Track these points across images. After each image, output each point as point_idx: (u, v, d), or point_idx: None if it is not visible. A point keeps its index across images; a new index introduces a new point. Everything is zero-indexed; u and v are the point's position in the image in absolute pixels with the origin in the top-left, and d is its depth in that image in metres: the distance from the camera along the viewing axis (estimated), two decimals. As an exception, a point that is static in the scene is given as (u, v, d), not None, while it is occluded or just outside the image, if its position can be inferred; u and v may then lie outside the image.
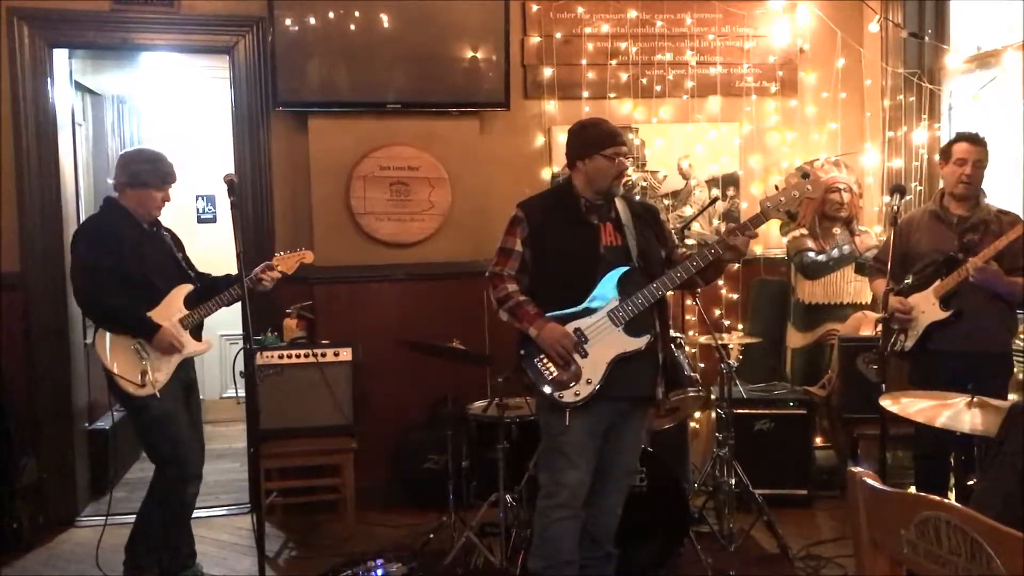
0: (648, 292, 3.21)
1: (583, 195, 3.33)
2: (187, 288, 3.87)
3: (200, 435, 4.03)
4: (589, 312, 3.22)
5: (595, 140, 3.31)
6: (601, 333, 3.21)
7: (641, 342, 3.22)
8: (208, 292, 3.90)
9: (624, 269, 3.24)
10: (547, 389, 3.22)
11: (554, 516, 3.28)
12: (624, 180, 3.43)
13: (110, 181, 3.99)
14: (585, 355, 3.20)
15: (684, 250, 3.54)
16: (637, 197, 5.14)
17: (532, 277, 3.32)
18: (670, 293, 3.45)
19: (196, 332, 3.88)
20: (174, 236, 4.04)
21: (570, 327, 3.21)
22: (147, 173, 3.79)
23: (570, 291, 3.25)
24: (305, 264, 4.13)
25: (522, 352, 3.28)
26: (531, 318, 3.22)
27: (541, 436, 3.40)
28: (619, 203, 3.38)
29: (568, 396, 3.19)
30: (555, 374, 3.21)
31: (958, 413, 2.77)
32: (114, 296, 3.72)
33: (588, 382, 3.19)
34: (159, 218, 3.95)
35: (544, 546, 3.31)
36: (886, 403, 2.95)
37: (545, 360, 3.23)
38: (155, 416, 3.74)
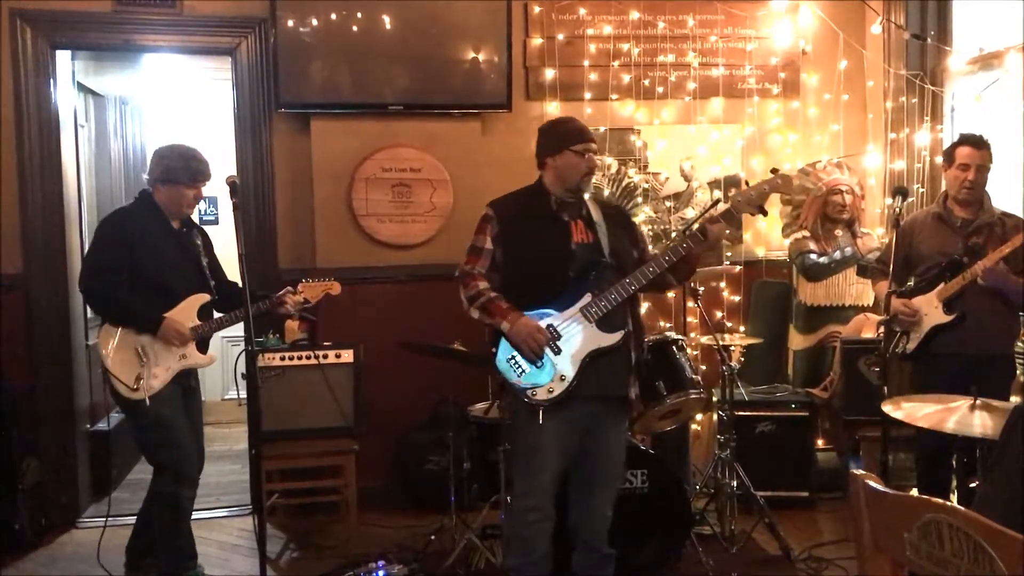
0: (621, 287, 3.17)
1: (553, 192, 3.30)
2: (203, 298, 3.83)
3: (200, 440, 4.01)
4: (561, 308, 3.18)
5: (565, 136, 3.28)
6: (574, 329, 3.17)
7: (615, 338, 3.18)
8: (228, 303, 3.87)
9: (597, 265, 3.21)
10: (519, 388, 3.17)
11: (529, 519, 3.25)
12: (624, 180, 3.42)
13: (145, 177, 3.97)
14: (558, 352, 3.15)
15: (656, 252, 3.49)
16: (606, 193, 5.16)
17: (503, 275, 3.28)
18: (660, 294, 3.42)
19: (202, 344, 3.85)
20: (205, 238, 3.99)
21: (543, 324, 3.16)
22: (179, 170, 3.75)
23: (541, 288, 3.21)
24: (331, 295, 4.05)
25: (494, 350, 3.23)
26: (504, 312, 3.17)
27: (510, 434, 3.35)
28: (590, 202, 3.36)
29: (541, 394, 3.14)
30: (527, 372, 3.17)
31: (961, 416, 2.76)
32: (122, 290, 3.69)
33: (562, 379, 3.14)
34: (192, 216, 3.91)
35: (520, 545, 3.30)
36: (888, 408, 2.94)
37: (517, 358, 3.18)
38: (152, 420, 3.71)
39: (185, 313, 3.77)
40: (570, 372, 3.15)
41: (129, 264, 3.68)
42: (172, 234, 3.81)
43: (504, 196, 3.45)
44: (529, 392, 3.15)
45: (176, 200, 3.78)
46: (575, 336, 3.16)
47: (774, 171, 3.30)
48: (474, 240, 3.31)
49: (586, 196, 3.36)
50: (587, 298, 3.18)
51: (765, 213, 3.34)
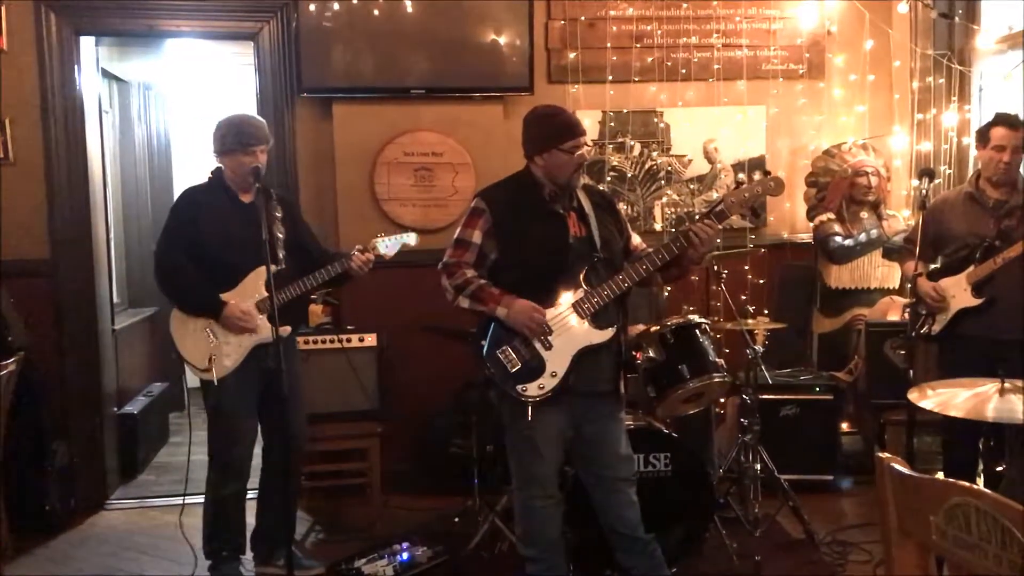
0: (614, 284, 3.12)
1: (545, 184, 3.21)
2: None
3: (289, 415, 3.62)
4: (553, 304, 3.12)
5: (551, 134, 3.17)
6: (566, 325, 3.11)
7: (607, 334, 3.13)
8: (312, 269, 3.79)
9: (590, 259, 3.16)
10: (511, 384, 3.11)
11: (536, 505, 3.26)
12: (647, 162, 3.39)
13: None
14: (549, 347, 3.10)
15: (639, 242, 3.45)
16: (629, 175, 5.12)
17: (497, 270, 3.20)
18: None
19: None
20: (286, 207, 3.90)
21: None
22: (229, 138, 3.69)
23: (538, 284, 3.13)
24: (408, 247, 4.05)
25: (482, 344, 3.17)
26: (497, 297, 3.09)
27: (505, 425, 3.30)
28: (579, 191, 3.28)
29: (532, 390, 3.10)
30: (518, 367, 3.11)
31: (998, 402, 2.72)
32: (186, 273, 3.69)
33: (553, 375, 3.09)
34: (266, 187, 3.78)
35: (530, 534, 3.31)
36: (915, 396, 2.89)
37: (508, 351, 3.12)
38: (213, 406, 3.73)
39: (249, 289, 3.72)
40: (561, 368, 3.10)
41: (195, 239, 3.67)
42: (240, 209, 3.75)
43: (493, 186, 3.36)
44: (520, 388, 3.11)
45: (237, 170, 3.72)
46: (567, 332, 3.12)
47: (767, 173, 3.28)
48: (461, 232, 3.23)
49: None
50: (580, 294, 3.13)
51: (757, 215, 3.32)
